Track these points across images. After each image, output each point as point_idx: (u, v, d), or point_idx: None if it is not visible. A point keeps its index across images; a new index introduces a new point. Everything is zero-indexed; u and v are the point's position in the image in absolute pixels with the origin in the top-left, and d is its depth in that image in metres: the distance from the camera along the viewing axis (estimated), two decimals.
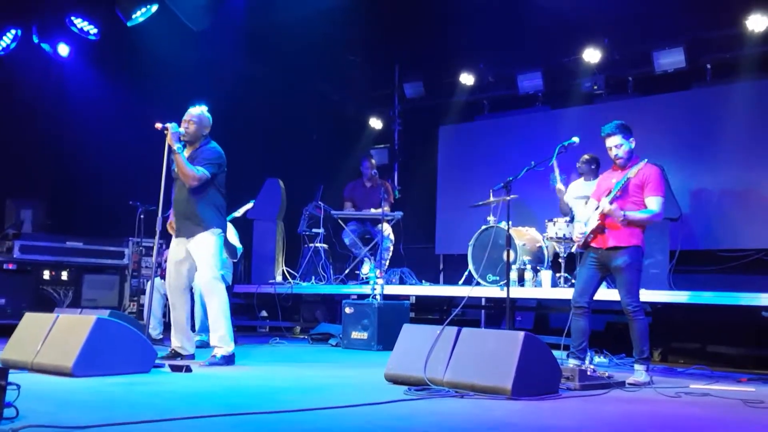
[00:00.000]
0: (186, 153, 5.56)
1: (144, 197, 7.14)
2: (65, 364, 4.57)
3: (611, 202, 5.01)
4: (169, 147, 5.41)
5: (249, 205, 7.88)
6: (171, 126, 5.41)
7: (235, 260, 7.74)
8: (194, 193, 5.54)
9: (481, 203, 7.77)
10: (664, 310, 6.72)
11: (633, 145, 5.17)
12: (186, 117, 5.61)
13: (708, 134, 8.23)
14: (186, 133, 5.55)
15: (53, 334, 4.88)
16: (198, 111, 5.65)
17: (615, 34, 8.65)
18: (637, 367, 5.04)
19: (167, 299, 7.31)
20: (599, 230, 5.10)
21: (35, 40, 8.66)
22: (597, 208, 5.12)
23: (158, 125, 5.41)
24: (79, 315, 5.64)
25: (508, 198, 5.70)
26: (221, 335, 5.46)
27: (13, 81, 8.60)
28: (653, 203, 5.04)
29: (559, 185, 7.59)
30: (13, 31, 8.55)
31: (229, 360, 5.46)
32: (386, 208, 8.48)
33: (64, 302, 7.99)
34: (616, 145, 5.14)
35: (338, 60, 9.85)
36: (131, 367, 4.82)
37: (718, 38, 8.23)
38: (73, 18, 8.43)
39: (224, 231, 5.72)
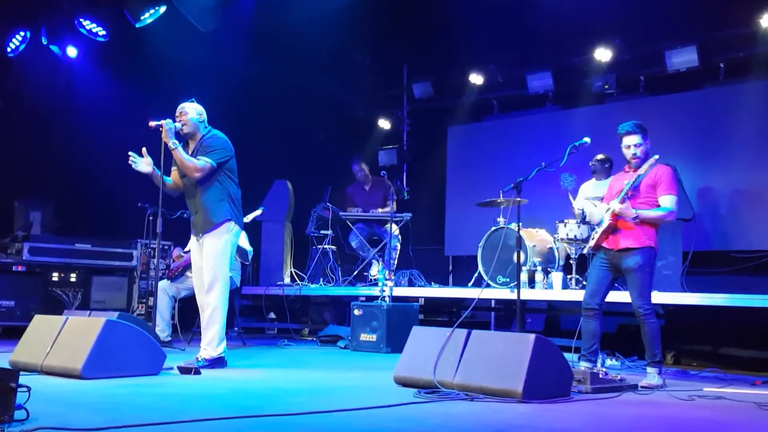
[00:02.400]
0: (190, 148, 5.49)
1: (153, 199, 7.12)
2: (75, 366, 4.58)
3: (622, 201, 4.95)
4: (166, 145, 5.31)
5: (258, 212, 7.83)
6: (166, 123, 5.31)
7: (247, 263, 7.72)
8: (202, 185, 5.43)
9: (488, 201, 7.73)
10: (676, 312, 6.66)
11: (648, 147, 5.12)
12: (178, 111, 5.50)
13: (721, 134, 8.16)
14: (183, 125, 5.44)
15: (62, 337, 4.88)
16: (187, 103, 5.54)
17: (626, 33, 8.59)
18: (649, 370, 4.99)
19: (176, 301, 7.36)
20: (611, 231, 5.04)
21: (44, 41, 8.68)
22: (608, 209, 5.07)
23: (152, 123, 5.31)
24: (88, 317, 5.62)
25: (518, 200, 5.66)
26: (210, 339, 5.37)
27: (22, 82, 8.63)
28: (667, 201, 5.00)
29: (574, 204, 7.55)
30: (22, 33, 8.57)
31: (214, 363, 5.34)
32: (394, 208, 8.45)
33: (72, 304, 7.99)
34: (635, 144, 5.08)
35: (346, 60, 9.83)
36: (140, 369, 4.82)
37: (731, 37, 8.15)
38: (81, 20, 8.44)
39: (239, 222, 5.55)
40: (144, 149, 5.42)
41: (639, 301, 4.96)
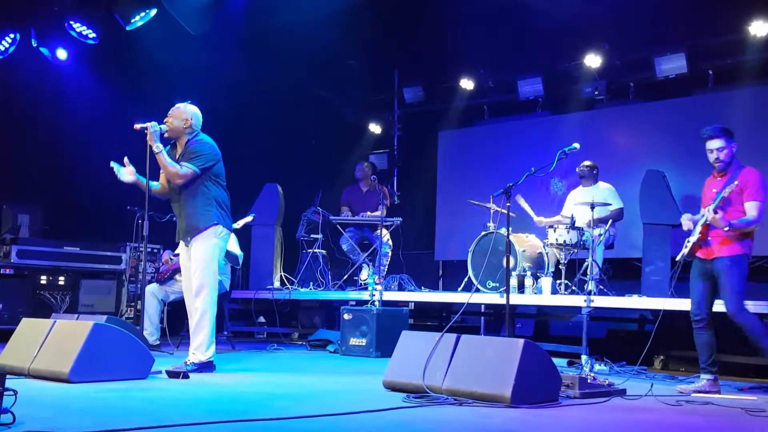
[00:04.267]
0: (177, 151, 5.44)
1: (142, 202, 7.07)
2: (62, 370, 4.55)
3: (716, 211, 4.87)
4: (151, 148, 5.24)
5: (249, 218, 7.77)
6: (151, 125, 5.25)
7: (237, 267, 7.68)
8: (186, 189, 5.37)
9: (478, 203, 7.75)
10: (665, 317, 6.67)
11: (735, 150, 5.06)
12: (169, 113, 5.45)
13: None
14: (168, 129, 5.38)
15: (50, 340, 4.85)
16: (181, 104, 5.47)
17: (616, 40, 8.64)
18: None
19: (165, 304, 7.32)
20: (702, 242, 5.02)
21: (34, 44, 8.62)
22: (701, 220, 5.02)
23: (137, 126, 5.25)
24: (76, 320, 5.59)
25: (508, 206, 5.66)
26: (199, 343, 5.31)
27: (11, 85, 8.56)
28: (751, 208, 4.92)
29: (536, 218, 7.63)
30: (12, 35, 8.50)
31: (203, 367, 5.28)
32: (384, 213, 8.44)
33: (61, 307, 7.92)
34: (717, 148, 5.02)
35: (337, 64, 9.83)
36: (128, 373, 4.79)
37: (720, 44, 8.22)
38: (71, 22, 8.39)
39: (227, 226, 5.48)
40: (126, 159, 5.38)
41: (729, 307, 4.93)
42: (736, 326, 4.97)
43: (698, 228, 5.05)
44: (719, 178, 5.09)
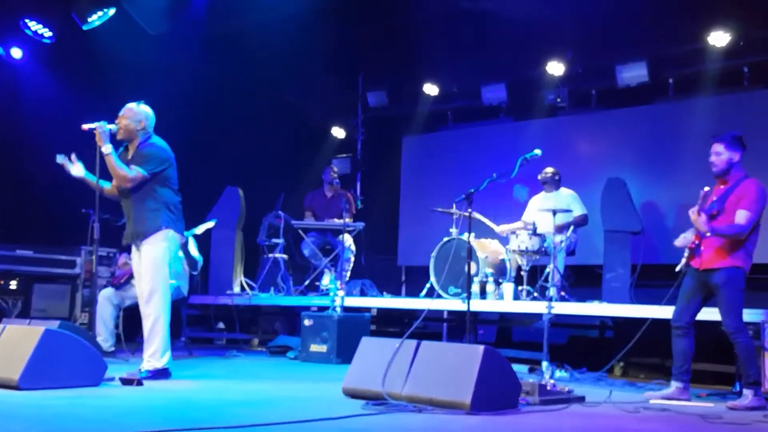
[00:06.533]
0: (129, 153, 5.32)
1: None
2: (11, 377, 4.45)
3: (699, 213, 4.81)
4: (100, 149, 5.10)
5: (210, 224, 7.62)
6: (99, 125, 5.10)
7: (195, 272, 7.55)
8: (135, 193, 5.25)
9: (441, 210, 7.76)
10: (625, 324, 6.72)
11: (736, 159, 4.95)
12: (120, 113, 5.31)
13: (670, 148, 8.31)
14: (119, 130, 5.24)
15: None
16: (133, 105, 5.34)
17: (578, 48, 8.72)
18: (745, 392, 4.82)
19: (120, 309, 7.16)
20: (696, 251, 4.93)
21: None
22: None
23: (85, 126, 5.10)
24: (26, 326, 5.45)
25: (470, 211, 5.66)
26: (154, 350, 5.18)
27: None
28: (740, 216, 4.81)
29: (498, 228, 7.67)
30: None
31: (158, 375, 5.16)
32: (348, 219, 8.38)
33: (12, 312, 7.73)
34: (715, 152, 4.97)
35: (301, 67, 9.75)
36: (80, 380, 4.68)
37: (681, 53, 8.35)
38: (27, 20, 8.22)
39: (178, 230, 5.36)
40: (73, 155, 5.23)
41: (726, 320, 4.83)
42: (731, 341, 4.88)
43: (690, 234, 4.99)
44: (721, 187, 5.02)
